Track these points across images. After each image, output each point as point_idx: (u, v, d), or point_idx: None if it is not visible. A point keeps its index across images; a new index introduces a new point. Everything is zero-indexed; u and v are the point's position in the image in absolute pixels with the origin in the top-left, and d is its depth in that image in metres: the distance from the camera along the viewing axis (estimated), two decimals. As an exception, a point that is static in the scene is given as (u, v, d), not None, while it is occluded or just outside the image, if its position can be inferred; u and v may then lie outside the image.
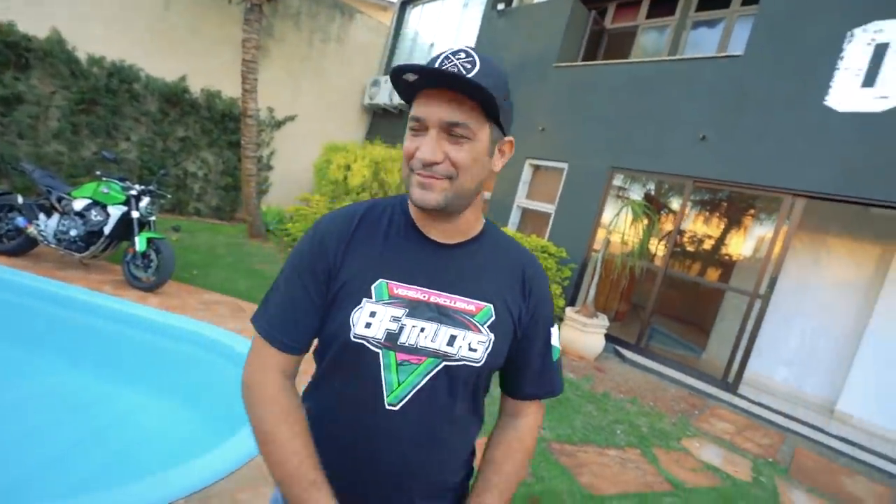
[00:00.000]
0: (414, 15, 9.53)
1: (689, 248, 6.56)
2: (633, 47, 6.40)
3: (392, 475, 0.74)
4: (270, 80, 7.78)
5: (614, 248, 5.23)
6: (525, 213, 6.80)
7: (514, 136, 0.79)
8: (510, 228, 6.59)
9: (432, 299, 0.74)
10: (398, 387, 0.72)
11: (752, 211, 6.24)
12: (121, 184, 3.83)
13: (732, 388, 4.66)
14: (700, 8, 5.83)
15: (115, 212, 3.74)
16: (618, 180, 5.98)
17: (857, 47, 4.16)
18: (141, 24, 6.74)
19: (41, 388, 2.60)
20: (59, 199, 3.85)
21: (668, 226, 5.75)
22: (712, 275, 6.52)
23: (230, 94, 7.44)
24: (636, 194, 6.18)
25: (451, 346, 0.73)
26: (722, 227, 6.53)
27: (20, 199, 3.82)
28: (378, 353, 0.72)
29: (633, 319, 6.17)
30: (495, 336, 0.76)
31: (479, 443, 0.86)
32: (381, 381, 0.72)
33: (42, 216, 3.81)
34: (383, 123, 9.33)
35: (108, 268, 4.12)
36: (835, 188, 4.22)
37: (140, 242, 3.68)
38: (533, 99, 6.52)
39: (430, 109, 0.67)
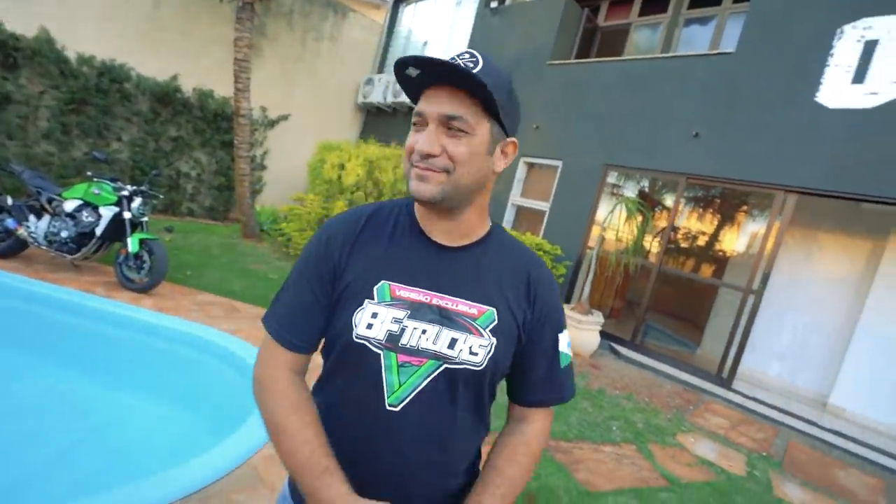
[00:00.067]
0: (407, 13, 9.50)
1: (683, 245, 6.60)
2: (626, 45, 6.42)
3: (392, 475, 0.74)
4: (263, 79, 7.73)
5: (609, 245, 5.25)
6: (520, 210, 6.81)
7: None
8: (505, 227, 6.60)
9: (434, 301, 0.74)
10: (399, 388, 0.72)
11: (744, 207, 6.29)
12: (112, 184, 3.79)
13: (727, 383, 4.70)
14: (692, 5, 5.86)
15: (107, 213, 3.70)
16: (612, 177, 6.00)
17: (847, 44, 4.19)
18: (131, 23, 6.67)
19: (34, 392, 2.58)
20: (50, 201, 3.81)
21: (661, 222, 5.78)
22: (706, 271, 6.56)
23: (223, 93, 7.39)
24: (630, 191, 6.21)
25: (452, 349, 0.73)
26: (715, 223, 6.58)
27: (9, 201, 3.78)
28: (379, 354, 0.72)
29: (628, 316, 6.19)
30: (497, 340, 0.75)
31: (486, 450, 0.84)
32: (383, 381, 0.72)
33: (32, 218, 3.76)
34: (377, 122, 9.31)
35: (100, 269, 4.09)
36: (826, 184, 4.26)
37: (132, 243, 3.65)
38: (527, 97, 6.52)
39: (430, 104, 0.69)
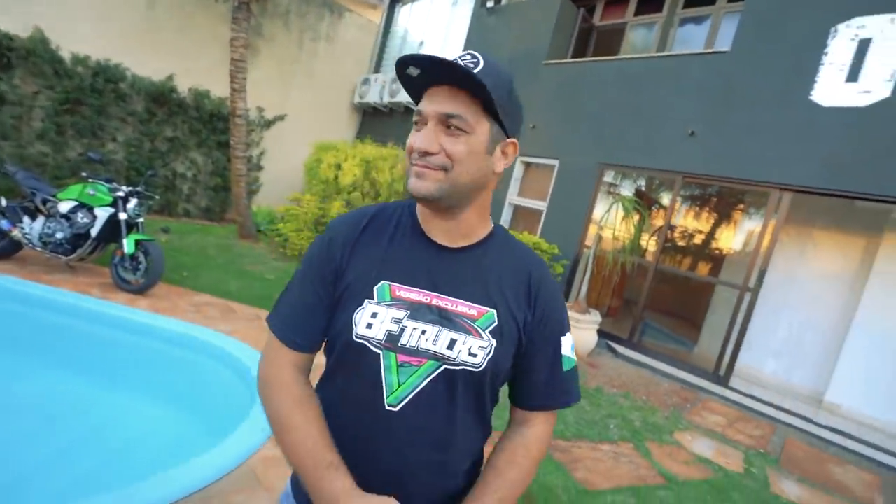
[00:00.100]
0: (403, 13, 9.50)
1: (680, 243, 6.62)
2: (622, 44, 6.44)
3: (390, 475, 0.73)
4: (260, 79, 7.71)
5: (606, 244, 5.27)
6: (517, 210, 6.81)
7: None
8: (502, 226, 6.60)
9: (434, 302, 0.74)
10: (398, 388, 0.72)
11: (740, 205, 6.31)
12: (107, 185, 3.78)
13: (723, 381, 4.72)
14: (687, 5, 5.88)
15: (102, 213, 3.69)
16: (608, 176, 6.02)
17: (841, 43, 4.22)
18: (126, 23, 6.64)
19: (29, 393, 2.56)
20: (44, 202, 3.79)
21: (658, 221, 5.80)
22: (703, 269, 6.59)
23: (219, 93, 7.36)
24: (627, 190, 6.23)
25: (451, 349, 0.72)
26: (711, 221, 6.60)
27: (3, 202, 3.76)
28: (379, 354, 0.72)
29: (626, 315, 6.21)
30: (497, 342, 0.74)
31: (488, 453, 0.84)
32: (382, 381, 0.72)
33: (26, 219, 3.74)
34: (374, 122, 9.30)
35: (96, 270, 4.07)
36: (821, 182, 4.28)
37: (128, 244, 3.63)
38: (523, 96, 6.35)
39: (430, 103, 0.70)
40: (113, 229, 3.72)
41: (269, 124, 8.26)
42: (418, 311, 0.73)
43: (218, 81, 7.20)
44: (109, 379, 2.74)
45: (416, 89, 0.72)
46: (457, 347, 0.73)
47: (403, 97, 8.10)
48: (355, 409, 0.75)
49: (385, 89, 8.49)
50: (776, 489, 2.93)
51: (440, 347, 0.72)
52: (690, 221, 6.67)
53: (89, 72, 6.21)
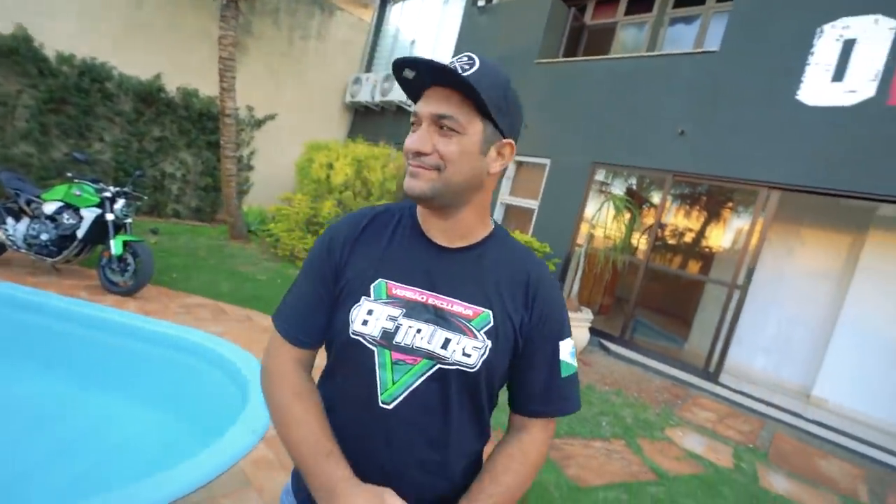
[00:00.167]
0: (395, 12, 9.46)
1: (671, 242, 6.68)
2: (612, 43, 6.47)
3: (383, 473, 0.74)
4: (249, 78, 7.64)
5: (597, 242, 5.30)
6: (509, 209, 6.83)
7: None
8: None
9: (430, 301, 0.74)
10: (392, 386, 0.73)
11: (729, 204, 6.38)
12: (94, 185, 3.72)
13: (713, 377, 4.77)
14: (677, 4, 5.93)
15: (89, 214, 3.63)
16: (600, 175, 6.05)
17: (827, 43, 4.28)
18: (112, 21, 6.55)
19: (17, 396, 2.52)
20: (29, 202, 3.72)
21: (649, 219, 5.85)
22: (693, 267, 6.65)
23: (208, 92, 7.29)
24: (618, 189, 6.27)
25: (446, 349, 0.73)
26: (701, 220, 6.67)
27: (-13, 203, 3.69)
28: (374, 351, 0.73)
29: (617, 312, 6.26)
30: (492, 343, 0.74)
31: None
32: (376, 378, 0.73)
33: (10, 220, 3.68)
34: (365, 121, 9.26)
35: (83, 273, 4.01)
36: (807, 180, 4.35)
37: (116, 246, 3.58)
38: None
39: (424, 105, 0.71)
40: (100, 230, 3.66)
41: (259, 124, 8.20)
42: (414, 310, 0.74)
43: (207, 80, 7.12)
44: (97, 382, 2.70)
45: (414, 90, 0.74)
46: (451, 347, 0.73)
47: (395, 96, 8.07)
48: (351, 406, 0.76)
49: (377, 88, 8.45)
50: (765, 483, 2.97)
51: (434, 346, 0.73)
52: (681, 220, 6.73)
53: (75, 71, 6.11)
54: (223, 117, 6.28)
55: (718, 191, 6.09)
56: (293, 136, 8.38)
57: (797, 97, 4.40)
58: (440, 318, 0.74)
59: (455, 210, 0.76)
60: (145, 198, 4.70)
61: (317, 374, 0.84)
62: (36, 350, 2.88)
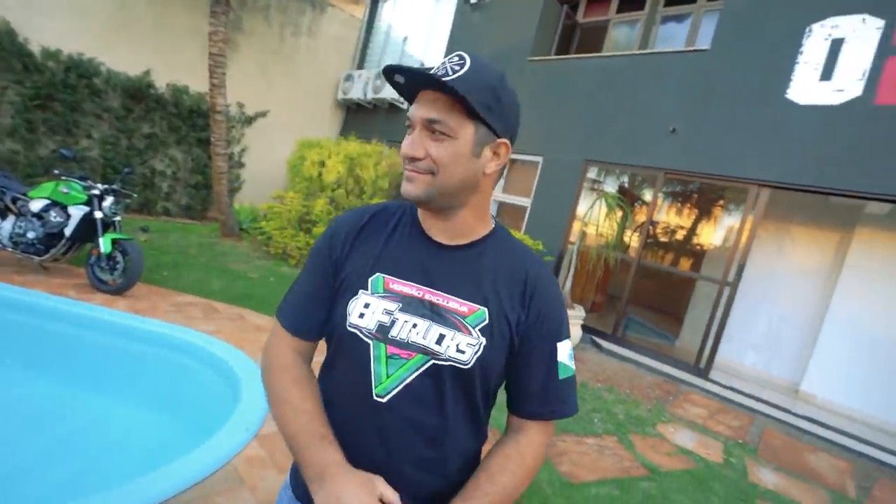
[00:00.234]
0: (387, 8, 9.41)
1: (662, 239, 6.73)
2: (604, 41, 6.49)
3: (377, 466, 0.73)
4: (240, 74, 7.56)
5: (590, 240, 5.32)
6: (501, 207, 6.84)
7: None
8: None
9: (426, 297, 0.75)
10: (387, 379, 0.73)
11: (720, 201, 6.44)
12: (82, 183, 3.67)
13: (704, 373, 4.82)
14: (669, 3, 5.96)
15: (77, 212, 3.58)
16: (592, 173, 6.08)
17: (816, 42, 4.33)
18: (100, 16, 6.44)
19: (7, 396, 2.48)
20: (15, 200, 3.66)
21: (641, 217, 5.88)
22: (684, 264, 6.71)
23: (198, 89, 7.21)
24: (610, 187, 6.30)
25: (440, 344, 0.73)
26: (693, 217, 6.72)
27: (-29, 201, 3.62)
28: (369, 344, 0.74)
29: (609, 310, 6.30)
30: (487, 340, 0.74)
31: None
32: (371, 371, 0.73)
33: (-4, 218, 3.62)
34: (358, 119, 9.21)
35: (71, 271, 3.95)
36: (797, 178, 4.40)
37: (104, 244, 3.53)
38: None
39: (416, 109, 0.72)
40: (88, 228, 3.61)
41: (250, 121, 8.12)
42: (410, 305, 0.74)
43: (197, 77, 7.04)
44: (87, 381, 2.67)
45: (409, 92, 0.74)
46: (445, 343, 0.73)
47: (387, 94, 8.04)
48: (347, 398, 0.76)
49: (369, 85, 8.41)
50: (754, 478, 3.01)
51: (429, 342, 0.73)
52: (672, 217, 6.78)
53: (61, 66, 6.01)
54: (213, 114, 6.21)
55: (709, 188, 6.14)
56: (285, 134, 8.31)
57: (787, 96, 4.45)
58: (436, 313, 0.74)
59: (452, 211, 0.77)
60: (135, 195, 4.64)
61: (316, 369, 0.85)
62: (23, 350, 2.84)
